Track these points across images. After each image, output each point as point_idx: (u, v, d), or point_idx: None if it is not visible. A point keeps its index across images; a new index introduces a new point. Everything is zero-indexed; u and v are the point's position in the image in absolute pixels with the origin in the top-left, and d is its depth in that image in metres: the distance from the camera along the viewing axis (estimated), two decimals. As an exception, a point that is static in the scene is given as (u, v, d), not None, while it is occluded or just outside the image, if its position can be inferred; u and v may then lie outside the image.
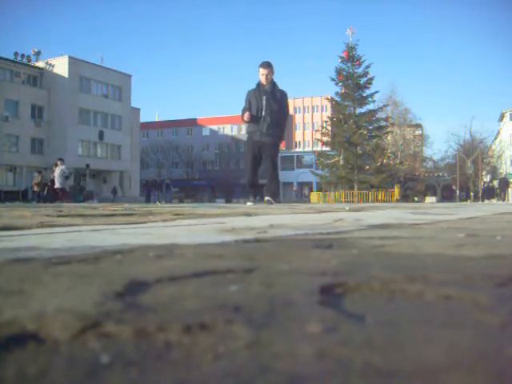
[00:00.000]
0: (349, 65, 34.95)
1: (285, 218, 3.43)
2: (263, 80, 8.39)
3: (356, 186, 33.76)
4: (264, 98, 8.30)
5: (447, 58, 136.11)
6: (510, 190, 56.65)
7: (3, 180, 41.83)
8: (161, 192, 36.37)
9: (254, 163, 8.43)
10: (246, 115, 8.24)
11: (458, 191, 53.08)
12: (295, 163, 64.45)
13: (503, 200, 47.55)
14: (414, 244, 1.57)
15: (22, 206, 7.14)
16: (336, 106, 36.05)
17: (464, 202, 32.29)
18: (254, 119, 8.36)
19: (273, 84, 8.48)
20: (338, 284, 0.85)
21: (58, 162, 20.17)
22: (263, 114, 8.25)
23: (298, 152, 68.06)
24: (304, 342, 0.53)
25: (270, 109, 8.28)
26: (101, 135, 43.49)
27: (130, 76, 51.55)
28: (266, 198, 8.21)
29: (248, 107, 8.41)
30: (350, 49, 34.70)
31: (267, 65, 8.48)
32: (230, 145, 71.60)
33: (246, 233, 2.05)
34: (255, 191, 8.57)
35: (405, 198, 41.51)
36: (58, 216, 3.51)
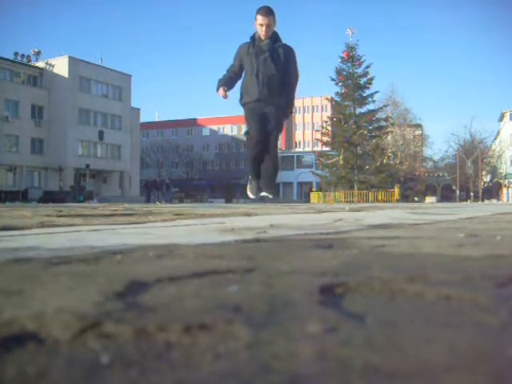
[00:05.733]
0: (349, 65, 34.97)
1: (285, 218, 3.43)
2: (261, 33, 5.82)
3: (356, 186, 33.77)
4: (260, 58, 5.88)
5: (447, 58, 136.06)
6: (510, 190, 56.68)
7: (3, 180, 41.81)
8: (161, 192, 36.34)
9: (263, 140, 5.93)
10: (222, 92, 6.00)
11: (457, 191, 53.11)
12: (295, 163, 64.43)
13: (497, 200, 47.83)
14: (414, 244, 1.57)
15: (22, 206, 7.14)
16: (336, 106, 36.06)
17: (464, 202, 32.30)
18: (233, 82, 6.14)
19: (274, 38, 5.92)
20: (338, 284, 0.85)
21: None
22: (260, 78, 5.91)
23: (298, 152, 68.06)
24: (304, 342, 0.53)
25: (268, 73, 5.90)
26: (101, 135, 43.44)
27: (130, 76, 51.55)
28: (262, 193, 6.20)
29: (237, 68, 6.10)
30: (350, 49, 34.71)
31: (268, 11, 5.77)
32: (229, 145, 71.58)
33: (245, 233, 2.04)
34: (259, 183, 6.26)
35: (405, 197, 41.54)
36: (58, 216, 3.50)
